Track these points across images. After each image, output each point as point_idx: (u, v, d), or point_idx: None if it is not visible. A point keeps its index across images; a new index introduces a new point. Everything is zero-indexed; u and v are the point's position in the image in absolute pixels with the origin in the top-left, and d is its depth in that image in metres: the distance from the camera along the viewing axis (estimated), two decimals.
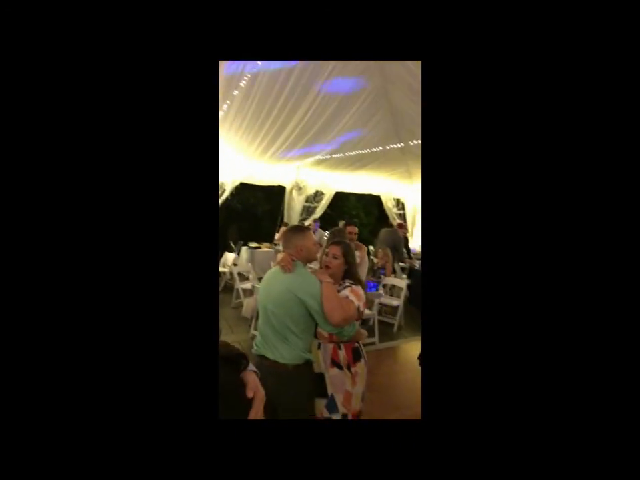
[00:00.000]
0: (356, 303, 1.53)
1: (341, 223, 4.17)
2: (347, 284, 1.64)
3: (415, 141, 4.98)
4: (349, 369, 1.60)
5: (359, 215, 10.88)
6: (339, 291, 1.58)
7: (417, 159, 6.02)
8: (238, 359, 0.79)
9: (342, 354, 1.61)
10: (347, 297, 1.54)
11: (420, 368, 2.30)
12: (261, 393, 0.74)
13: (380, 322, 4.08)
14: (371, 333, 3.84)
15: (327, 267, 1.65)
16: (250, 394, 0.71)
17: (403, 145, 5.20)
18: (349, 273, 1.69)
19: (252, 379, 0.76)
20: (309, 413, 1.42)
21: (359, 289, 1.61)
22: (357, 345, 1.68)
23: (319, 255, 1.81)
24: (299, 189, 6.71)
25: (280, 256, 1.70)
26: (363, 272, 3.01)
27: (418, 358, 2.42)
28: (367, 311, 1.90)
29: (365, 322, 3.69)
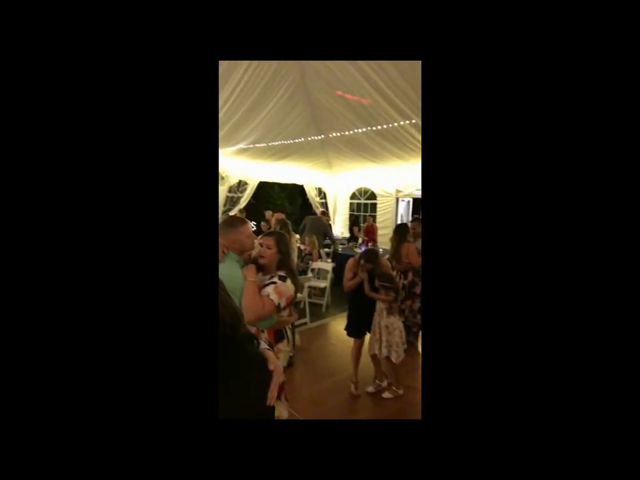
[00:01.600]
0: (276, 301, 1.57)
1: (268, 213, 4.32)
2: (276, 276, 1.66)
3: (334, 134, 5.30)
4: (271, 347, 1.69)
5: (283, 204, 11.00)
6: (265, 285, 1.63)
7: (336, 150, 6.42)
8: (253, 337, 0.86)
9: (264, 336, 1.64)
10: (268, 295, 1.57)
11: (347, 336, 2.67)
12: (280, 367, 0.82)
13: (310, 303, 4.38)
14: (302, 314, 4.13)
15: (261, 256, 1.69)
16: (271, 367, 0.78)
17: (323, 136, 5.49)
18: (282, 263, 1.72)
19: (270, 354, 0.84)
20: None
21: (283, 285, 1.63)
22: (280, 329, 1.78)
23: (256, 245, 1.79)
24: (221, 178, 6.52)
25: None
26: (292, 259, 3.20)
27: (345, 329, 2.78)
28: (298, 295, 1.99)
29: (296, 304, 3.93)
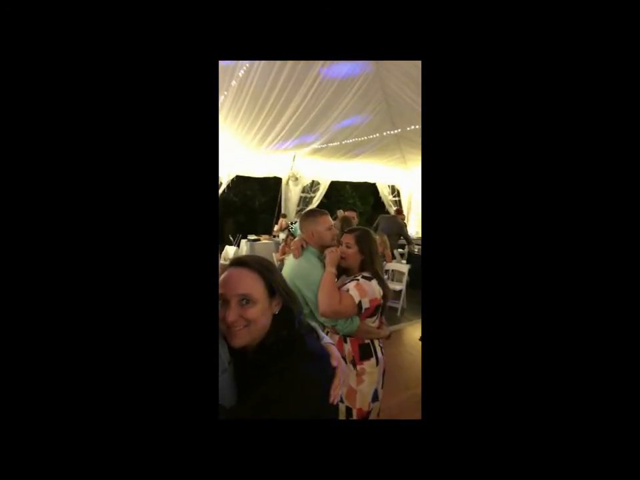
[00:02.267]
0: (357, 298, 1.40)
1: (339, 212, 4.23)
2: (359, 276, 1.48)
3: (410, 127, 4.99)
4: (353, 365, 1.46)
5: (355, 203, 10.91)
6: (345, 283, 1.49)
7: (411, 145, 6.05)
8: (315, 330, 0.82)
9: (347, 348, 1.48)
10: (347, 291, 1.42)
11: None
12: (343, 363, 0.77)
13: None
14: None
15: (342, 257, 1.52)
16: (334, 363, 0.74)
17: (399, 130, 5.21)
18: (365, 264, 1.52)
19: (333, 349, 0.79)
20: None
21: (367, 283, 1.45)
22: (367, 342, 1.50)
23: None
24: (295, 179, 6.70)
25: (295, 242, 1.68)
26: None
27: (420, 339, 2.51)
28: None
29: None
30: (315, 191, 7.23)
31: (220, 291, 0.71)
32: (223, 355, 0.68)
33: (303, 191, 7.09)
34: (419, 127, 4.91)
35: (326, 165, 6.87)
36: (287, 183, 6.77)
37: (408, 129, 5.07)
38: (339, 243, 1.58)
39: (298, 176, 6.71)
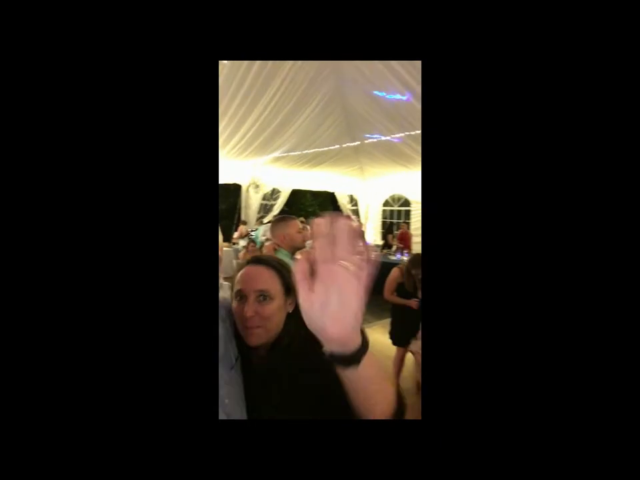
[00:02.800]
0: None
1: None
2: None
3: (369, 140, 5.27)
4: None
5: (315, 211, 11.08)
6: None
7: (369, 157, 6.37)
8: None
9: None
10: None
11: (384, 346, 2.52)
12: None
13: None
14: None
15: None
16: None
17: (359, 143, 5.47)
18: None
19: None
20: None
21: None
22: None
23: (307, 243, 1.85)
24: (256, 187, 6.69)
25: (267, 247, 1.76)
26: None
27: (390, 337, 2.67)
28: None
29: None
30: (275, 199, 7.26)
31: (238, 287, 0.74)
32: (232, 350, 0.69)
33: (264, 199, 7.08)
34: (376, 140, 5.20)
35: (287, 173, 6.95)
36: (247, 190, 6.73)
37: (366, 141, 5.34)
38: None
39: (259, 183, 6.70)
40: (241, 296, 0.73)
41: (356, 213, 8.46)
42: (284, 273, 0.78)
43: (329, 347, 0.47)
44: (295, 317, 0.76)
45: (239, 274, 0.76)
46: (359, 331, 0.49)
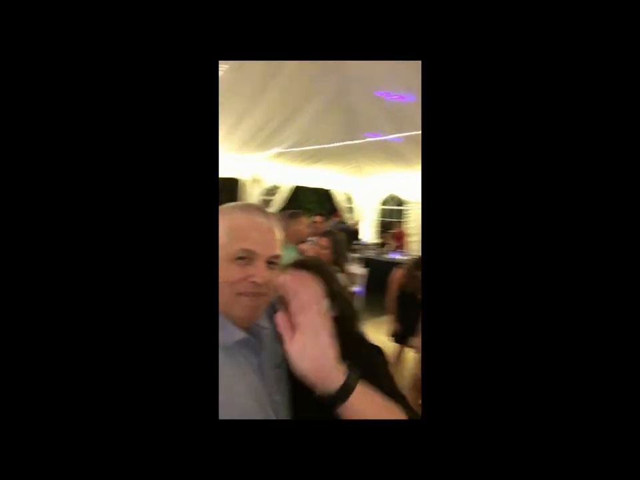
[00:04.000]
0: None
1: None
2: None
3: (369, 139, 5.39)
4: None
5: (313, 208, 11.16)
6: None
7: (367, 155, 6.49)
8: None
9: None
10: None
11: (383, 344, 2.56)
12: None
13: None
14: None
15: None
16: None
17: (359, 141, 5.59)
18: (336, 263, 1.78)
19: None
20: None
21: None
22: None
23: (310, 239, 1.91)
24: (256, 182, 6.76)
25: None
26: None
27: (392, 335, 2.75)
28: None
29: None
30: (274, 194, 7.34)
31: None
32: (279, 351, 0.68)
33: (263, 194, 7.16)
34: (376, 139, 5.33)
35: (288, 170, 7.03)
36: (247, 184, 6.80)
37: (365, 140, 5.46)
38: (316, 245, 1.84)
39: (259, 178, 6.77)
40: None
41: (352, 211, 8.58)
42: (328, 279, 0.77)
43: (314, 388, 0.52)
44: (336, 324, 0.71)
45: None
46: (339, 371, 0.53)
